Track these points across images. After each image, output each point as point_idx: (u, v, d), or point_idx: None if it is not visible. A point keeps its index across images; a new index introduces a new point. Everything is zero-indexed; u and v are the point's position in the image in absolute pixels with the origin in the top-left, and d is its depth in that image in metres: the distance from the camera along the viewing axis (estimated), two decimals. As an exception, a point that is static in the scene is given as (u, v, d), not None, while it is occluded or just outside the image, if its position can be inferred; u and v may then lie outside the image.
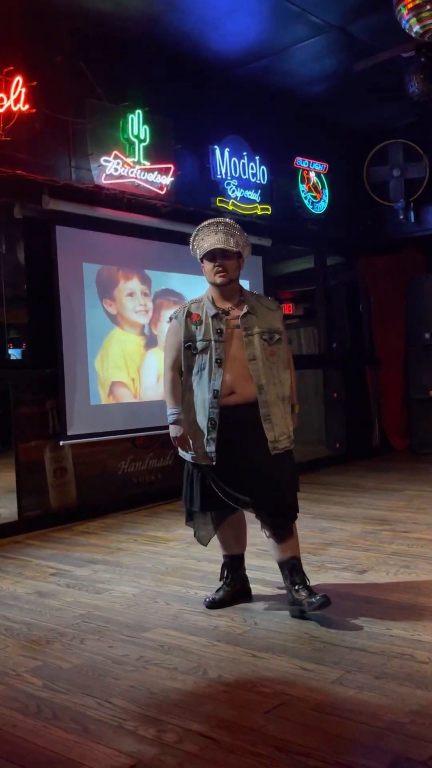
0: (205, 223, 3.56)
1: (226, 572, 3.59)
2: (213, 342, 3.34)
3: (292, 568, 3.35)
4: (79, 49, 5.66)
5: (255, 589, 3.74)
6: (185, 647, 3.00)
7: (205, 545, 3.57)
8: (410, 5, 4.32)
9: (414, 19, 4.38)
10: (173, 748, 2.20)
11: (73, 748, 2.23)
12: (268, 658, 2.85)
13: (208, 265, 3.46)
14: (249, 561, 4.28)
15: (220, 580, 3.60)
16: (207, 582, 3.90)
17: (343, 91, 7.21)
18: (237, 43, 6.18)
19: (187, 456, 3.44)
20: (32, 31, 5.37)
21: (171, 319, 3.53)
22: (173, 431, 3.43)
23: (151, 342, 6.20)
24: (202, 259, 3.51)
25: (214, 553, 4.48)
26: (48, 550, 4.82)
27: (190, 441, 3.37)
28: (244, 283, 6.99)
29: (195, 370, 3.38)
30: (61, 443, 5.54)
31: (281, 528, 3.36)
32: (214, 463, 3.32)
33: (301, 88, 7.13)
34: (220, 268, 3.42)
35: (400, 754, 2.12)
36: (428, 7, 4.26)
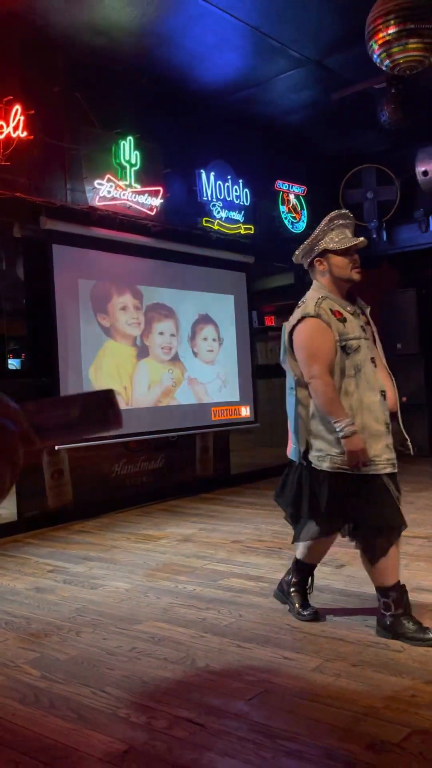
0: (337, 213, 3.07)
1: (310, 581, 3.21)
2: (363, 340, 2.89)
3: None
4: (74, 80, 5.66)
5: (240, 583, 3.74)
6: (175, 638, 2.99)
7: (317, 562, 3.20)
8: (381, 41, 4.34)
9: (384, 54, 4.40)
10: (163, 734, 2.19)
11: (69, 734, 2.22)
12: (252, 648, 2.85)
13: (342, 260, 2.97)
14: (233, 557, 4.29)
15: (307, 590, 3.19)
16: (195, 577, 3.89)
17: (320, 120, 7.25)
18: (222, 75, 6.20)
19: (324, 465, 2.86)
20: (30, 62, 5.37)
21: (304, 318, 2.90)
22: (356, 443, 2.76)
23: (142, 353, 6.20)
24: (325, 252, 3.00)
25: (202, 550, 4.49)
26: (46, 548, 4.79)
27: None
28: (229, 298, 7.05)
29: (350, 371, 2.85)
30: (56, 447, 5.51)
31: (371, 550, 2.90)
32: (396, 471, 2.84)
33: (282, 117, 7.16)
34: (358, 264, 2.97)
35: (376, 736, 2.12)
36: (396, 44, 4.29)
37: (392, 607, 2.87)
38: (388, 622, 2.88)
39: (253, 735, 2.16)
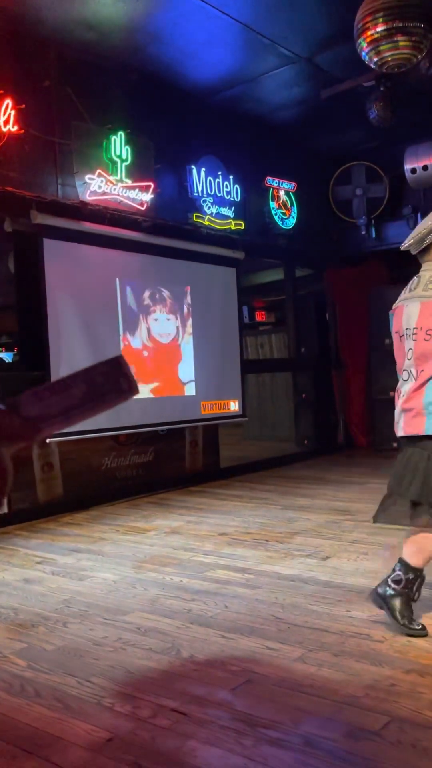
0: None
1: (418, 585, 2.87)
2: None
3: None
4: (65, 74, 5.63)
5: (226, 575, 3.75)
6: (161, 629, 3.00)
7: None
8: (369, 39, 4.34)
9: (373, 52, 4.40)
10: (147, 723, 2.20)
11: (55, 724, 2.22)
12: (237, 639, 2.86)
13: None
14: (219, 549, 4.30)
15: (413, 598, 2.86)
16: (182, 569, 3.90)
17: (310, 117, 7.25)
18: (212, 71, 6.18)
19: None
20: (21, 57, 5.34)
21: None
22: None
23: (134, 346, 6.19)
24: None
25: (189, 542, 4.50)
26: (35, 540, 4.79)
27: None
28: (219, 293, 7.04)
29: None
30: (47, 440, 5.50)
31: None
32: None
33: (272, 114, 7.15)
34: None
35: (355, 725, 2.14)
36: (384, 41, 4.28)
37: (402, 583, 2.80)
38: (387, 592, 2.82)
39: (236, 723, 2.17)
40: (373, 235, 8.23)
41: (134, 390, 0.68)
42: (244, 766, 1.95)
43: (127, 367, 0.68)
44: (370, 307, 8.61)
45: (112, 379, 0.66)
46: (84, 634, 2.97)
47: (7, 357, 11.83)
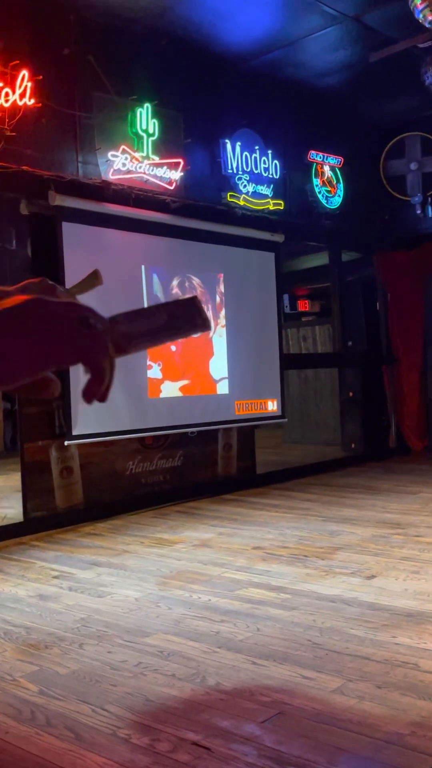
0: None
1: None
2: None
3: None
4: (86, 41, 5.67)
5: (259, 594, 3.74)
6: (185, 653, 3.00)
7: None
8: (423, -5, 4.28)
9: (427, 9, 4.34)
10: (166, 757, 2.20)
11: (64, 756, 2.24)
12: (269, 666, 2.85)
13: None
14: (253, 565, 4.29)
15: None
16: (211, 586, 3.90)
17: (357, 83, 7.17)
18: (249, 34, 6.16)
19: None
20: (38, 24, 5.39)
21: None
22: None
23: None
24: None
25: (220, 557, 4.50)
26: (52, 552, 4.85)
27: None
28: (256, 281, 7.01)
29: None
30: (66, 443, 5.56)
31: None
32: None
33: (315, 80, 7.09)
34: None
35: (398, 766, 2.11)
36: (440, -3, 4.22)
37: None
38: None
39: (264, 761, 2.16)
40: (430, 215, 8.10)
41: (207, 325, 0.88)
42: (271, 809, 1.94)
43: (201, 305, 0.89)
44: (426, 295, 8.51)
45: (189, 313, 0.88)
46: (101, 657, 3.00)
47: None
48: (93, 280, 1.36)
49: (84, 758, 2.22)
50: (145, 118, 5.92)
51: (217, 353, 6.68)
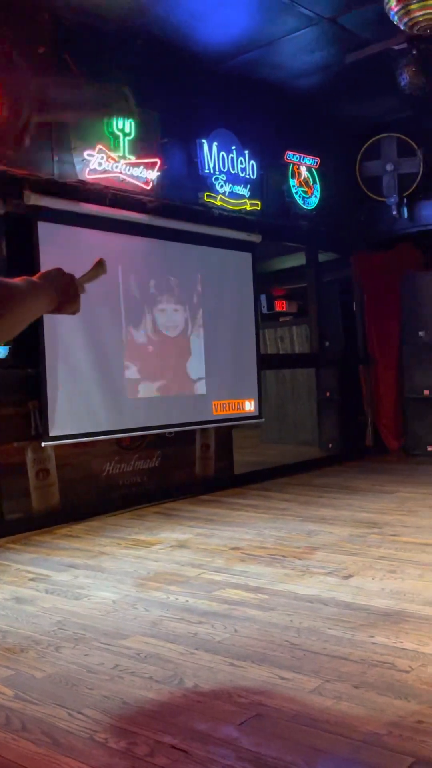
0: None
1: None
2: None
3: None
4: (62, 40, 5.62)
5: (237, 594, 3.73)
6: (162, 655, 2.99)
7: None
8: (398, -3, 4.30)
9: (402, 11, 4.36)
10: (143, 761, 2.19)
11: (41, 761, 2.22)
12: (246, 667, 2.84)
13: None
14: (231, 565, 4.29)
15: None
16: (189, 587, 3.89)
17: (334, 84, 7.19)
18: (225, 35, 6.15)
19: None
20: (13, 21, 5.34)
21: None
22: None
23: (137, 339, 6.18)
24: None
25: (198, 558, 4.49)
26: (28, 554, 4.80)
27: None
28: (233, 281, 7.01)
29: None
30: (42, 444, 5.52)
31: None
32: None
33: (292, 81, 7.10)
34: None
35: (376, 766, 2.11)
36: (414, 0, 4.24)
37: None
38: None
39: (242, 763, 2.15)
40: (405, 216, 8.16)
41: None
42: None
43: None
44: (402, 295, 8.56)
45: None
46: (78, 660, 2.97)
47: (2, 351, 11.88)
48: (99, 269, 1.80)
49: (61, 763, 2.20)
50: (122, 118, 5.89)
51: (195, 353, 6.67)
